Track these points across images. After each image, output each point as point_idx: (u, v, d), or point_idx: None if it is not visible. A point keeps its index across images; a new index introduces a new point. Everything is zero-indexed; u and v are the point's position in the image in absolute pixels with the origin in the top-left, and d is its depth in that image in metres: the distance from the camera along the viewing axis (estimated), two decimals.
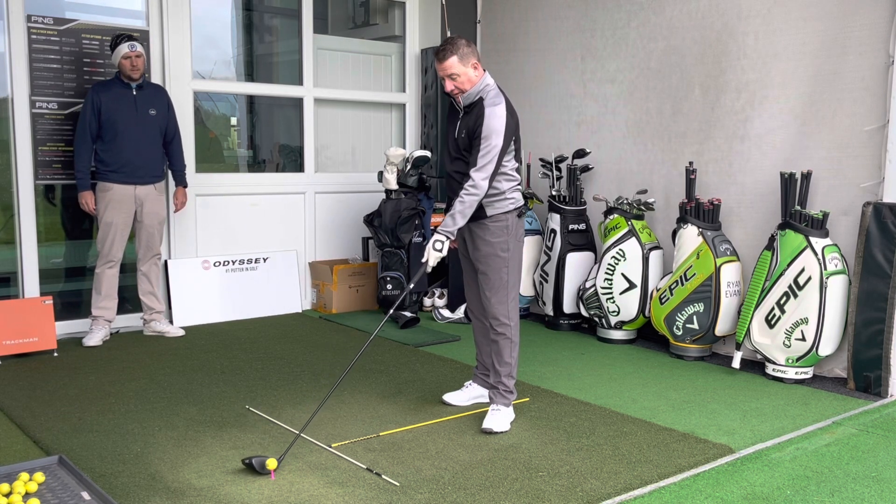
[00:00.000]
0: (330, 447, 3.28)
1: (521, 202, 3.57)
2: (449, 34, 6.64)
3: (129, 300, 5.39)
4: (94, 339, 4.92)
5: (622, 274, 5.09)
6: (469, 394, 3.85)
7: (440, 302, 6.10)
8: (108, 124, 4.81)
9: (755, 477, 3.07)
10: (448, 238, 3.39)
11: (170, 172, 5.24)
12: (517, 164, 3.54)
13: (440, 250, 3.38)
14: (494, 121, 3.37)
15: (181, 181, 5.21)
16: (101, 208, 4.90)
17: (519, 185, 3.55)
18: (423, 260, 3.42)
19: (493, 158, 3.35)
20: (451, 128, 3.59)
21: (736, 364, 4.54)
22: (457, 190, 3.49)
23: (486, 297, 3.55)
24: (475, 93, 3.45)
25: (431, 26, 6.70)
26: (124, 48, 4.80)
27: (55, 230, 5.40)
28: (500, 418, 3.52)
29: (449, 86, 3.45)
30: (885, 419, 3.80)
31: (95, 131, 4.82)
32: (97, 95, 4.80)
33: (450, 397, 3.86)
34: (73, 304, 5.40)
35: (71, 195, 5.14)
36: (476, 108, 3.45)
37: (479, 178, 3.34)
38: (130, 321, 5.35)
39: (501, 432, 3.47)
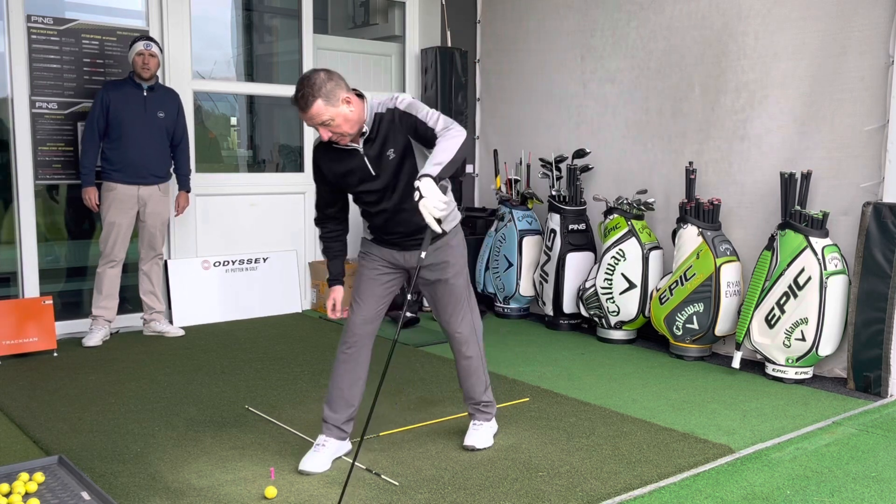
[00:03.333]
0: None
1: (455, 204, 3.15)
2: (449, 34, 6.64)
3: (128, 300, 5.38)
4: (94, 339, 4.92)
5: (622, 274, 5.09)
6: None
7: None
8: (115, 123, 4.82)
9: (755, 477, 3.07)
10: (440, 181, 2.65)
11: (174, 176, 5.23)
12: None
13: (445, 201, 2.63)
14: (418, 103, 2.88)
15: (184, 185, 5.21)
16: (104, 208, 4.90)
17: None
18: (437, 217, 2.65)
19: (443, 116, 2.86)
20: (361, 170, 2.92)
21: (736, 364, 4.54)
22: (409, 221, 2.96)
23: (456, 316, 3.22)
24: (370, 116, 2.85)
25: (431, 26, 6.70)
26: (139, 45, 4.83)
27: (55, 230, 5.41)
28: (483, 434, 3.34)
29: (325, 134, 2.80)
30: (885, 419, 3.80)
31: (103, 129, 4.83)
32: (107, 93, 4.82)
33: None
34: (73, 304, 5.40)
35: (71, 195, 5.15)
36: (388, 120, 2.86)
37: (453, 124, 2.82)
38: (130, 321, 5.35)
39: (485, 448, 3.30)
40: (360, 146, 2.88)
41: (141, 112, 4.87)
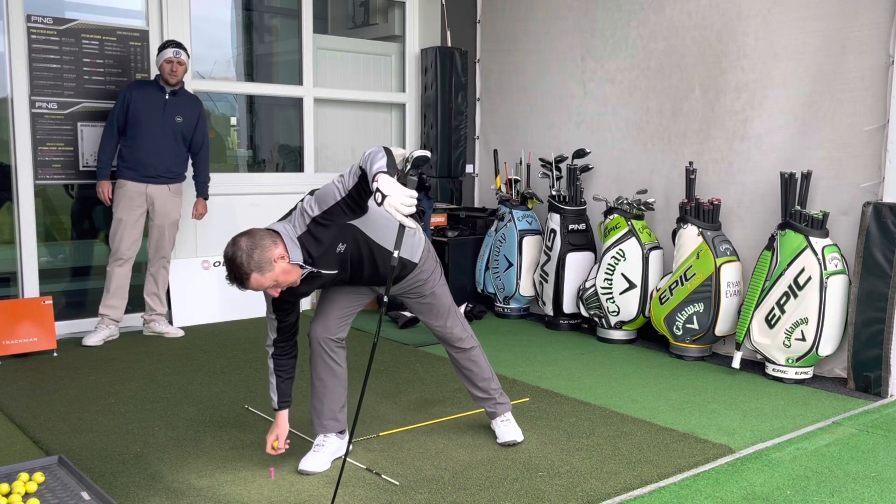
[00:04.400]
0: None
1: (420, 228, 3.07)
2: (449, 34, 6.64)
3: (129, 300, 5.38)
4: (94, 339, 4.91)
5: (622, 274, 5.09)
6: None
7: None
8: (132, 122, 4.86)
9: (755, 477, 3.07)
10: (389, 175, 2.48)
11: (194, 183, 5.24)
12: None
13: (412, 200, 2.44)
14: (324, 193, 2.74)
15: (203, 193, 5.23)
16: (114, 204, 4.93)
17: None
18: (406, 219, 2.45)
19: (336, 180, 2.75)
20: (327, 279, 2.84)
21: (736, 364, 4.54)
22: (383, 274, 2.92)
23: (449, 319, 3.23)
24: (295, 251, 2.67)
25: (431, 26, 6.70)
26: (168, 52, 4.88)
27: (56, 229, 5.40)
28: (515, 425, 3.39)
29: (276, 293, 2.71)
30: (885, 419, 3.80)
31: (122, 126, 4.88)
32: (130, 92, 4.87)
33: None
34: (73, 303, 5.40)
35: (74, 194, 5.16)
36: (318, 231, 2.72)
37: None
38: (130, 321, 5.33)
39: (523, 440, 3.37)
40: (310, 269, 2.73)
41: (158, 114, 4.90)
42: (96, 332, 4.96)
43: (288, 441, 3.06)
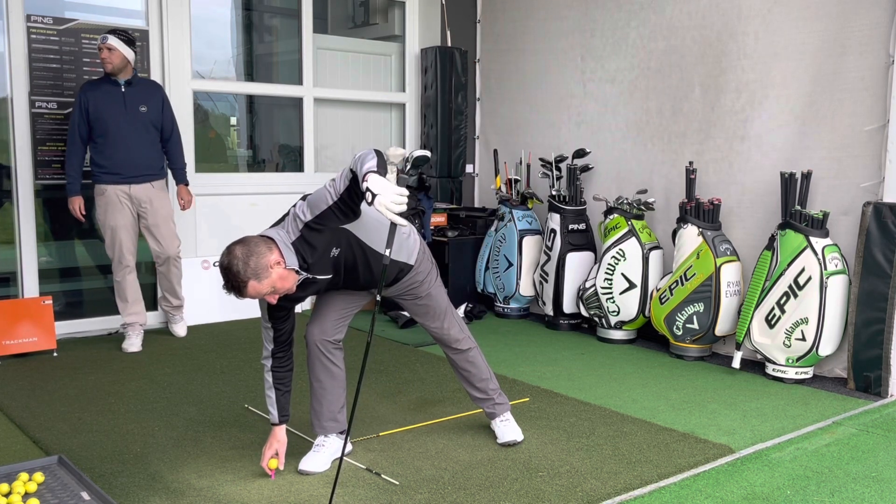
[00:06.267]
0: None
1: (414, 229, 3.14)
2: (449, 34, 6.64)
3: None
4: (136, 344, 4.86)
5: (622, 274, 5.09)
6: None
7: None
8: (97, 123, 4.68)
9: (755, 477, 3.07)
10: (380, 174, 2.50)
11: (170, 172, 5.15)
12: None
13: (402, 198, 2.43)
14: (316, 198, 2.73)
15: (182, 179, 5.06)
16: (100, 213, 4.81)
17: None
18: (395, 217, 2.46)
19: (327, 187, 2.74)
20: (321, 284, 2.83)
21: (736, 364, 4.54)
22: (376, 277, 2.90)
23: (446, 321, 3.24)
24: (290, 256, 2.64)
25: (431, 26, 6.70)
26: (98, 42, 4.67)
27: (55, 229, 5.40)
28: (515, 425, 3.40)
29: (273, 300, 2.68)
30: (885, 419, 3.80)
31: (86, 133, 4.69)
32: (84, 95, 4.67)
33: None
34: (73, 303, 5.40)
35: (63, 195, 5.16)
36: (310, 236, 2.70)
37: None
38: None
39: (523, 439, 3.37)
40: (305, 275, 2.70)
41: (121, 109, 4.70)
42: (132, 338, 4.88)
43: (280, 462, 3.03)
